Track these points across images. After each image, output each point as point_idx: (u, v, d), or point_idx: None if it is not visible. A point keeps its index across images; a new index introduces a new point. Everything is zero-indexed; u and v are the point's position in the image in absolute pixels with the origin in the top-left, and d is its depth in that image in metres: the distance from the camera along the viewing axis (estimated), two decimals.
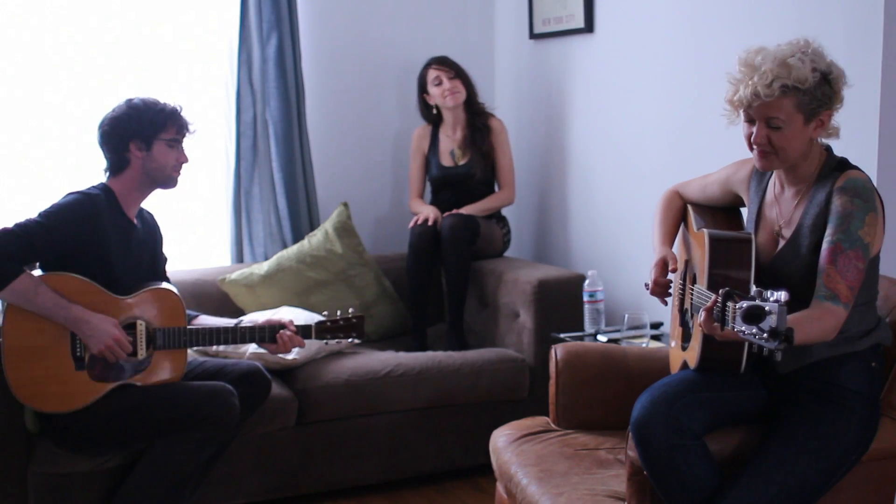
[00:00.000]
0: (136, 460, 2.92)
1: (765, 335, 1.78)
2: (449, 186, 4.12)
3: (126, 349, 2.81)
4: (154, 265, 3.10)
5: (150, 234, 3.09)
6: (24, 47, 3.82)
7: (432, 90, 4.08)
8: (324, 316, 3.11)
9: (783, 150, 2.19)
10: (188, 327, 2.92)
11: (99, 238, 2.82)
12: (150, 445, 2.87)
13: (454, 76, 4.06)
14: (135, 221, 2.99)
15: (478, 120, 4.11)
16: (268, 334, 2.97)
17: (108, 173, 2.95)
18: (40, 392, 2.78)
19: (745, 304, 1.81)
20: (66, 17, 3.86)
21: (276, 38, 4.05)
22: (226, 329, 2.95)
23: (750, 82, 2.15)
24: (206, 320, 3.09)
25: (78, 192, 2.84)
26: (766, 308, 1.78)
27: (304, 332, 3.03)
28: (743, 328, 1.82)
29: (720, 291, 1.95)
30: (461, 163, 4.11)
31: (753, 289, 1.84)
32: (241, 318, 3.06)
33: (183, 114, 2.96)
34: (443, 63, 4.07)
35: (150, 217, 3.13)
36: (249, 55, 4.06)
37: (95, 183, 2.94)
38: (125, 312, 2.85)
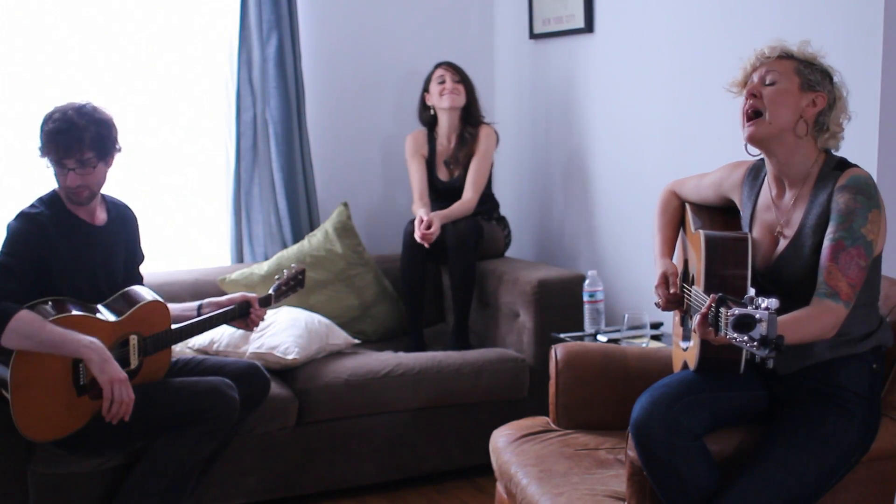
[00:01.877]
0: (137, 460, 2.91)
1: (755, 343, 1.79)
2: (442, 199, 4.07)
3: (131, 397, 2.73)
4: (130, 262, 3.07)
5: (121, 228, 3.03)
6: (23, 47, 3.82)
7: (433, 88, 4.06)
8: (276, 280, 3.21)
9: (773, 109, 2.20)
10: (171, 328, 2.94)
11: (53, 253, 2.80)
12: (151, 443, 2.87)
13: (458, 80, 4.05)
14: (97, 221, 2.94)
15: (468, 130, 4.05)
16: (238, 313, 3.04)
17: None
18: (46, 427, 2.76)
19: (736, 311, 1.81)
20: (65, 17, 3.86)
21: (276, 38, 4.05)
22: (204, 320, 3.00)
23: (756, 50, 2.28)
24: (171, 308, 3.07)
25: (19, 215, 2.81)
26: (757, 316, 1.78)
27: (265, 301, 3.12)
28: (734, 335, 1.82)
29: (713, 297, 1.95)
30: (456, 176, 4.07)
31: (747, 294, 1.84)
32: (200, 301, 3.09)
33: (70, 131, 2.74)
34: (451, 66, 4.08)
35: (123, 209, 3.07)
36: (249, 55, 4.06)
37: (45, 192, 2.90)
38: (120, 332, 2.84)
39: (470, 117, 4.08)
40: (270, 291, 3.17)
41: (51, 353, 2.69)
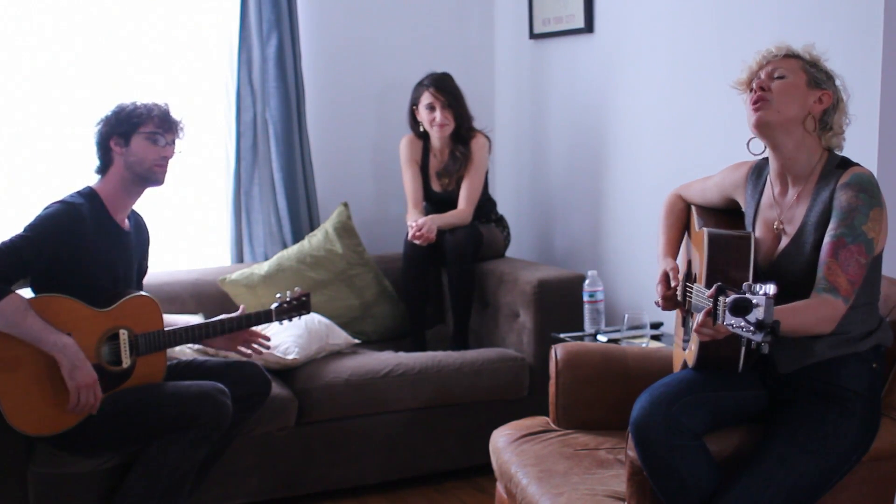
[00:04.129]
0: (135, 462, 2.91)
1: (751, 328, 1.80)
2: (436, 209, 4.05)
3: (98, 396, 2.75)
4: (139, 272, 3.09)
5: (140, 241, 3.08)
6: (24, 48, 3.82)
7: (423, 112, 3.96)
8: (277, 299, 3.16)
9: (781, 99, 2.21)
10: (165, 329, 2.93)
11: (83, 246, 2.79)
12: (145, 447, 2.86)
13: (446, 105, 3.92)
14: (125, 226, 2.97)
15: (459, 148, 3.98)
16: (236, 325, 3.04)
17: (98, 175, 2.94)
18: (36, 418, 2.76)
19: (733, 296, 1.82)
20: (65, 18, 3.86)
21: (276, 38, 4.05)
22: (199, 326, 2.99)
23: (762, 50, 2.30)
24: (171, 319, 3.07)
25: (59, 202, 2.82)
26: (754, 301, 1.80)
27: (265, 316, 3.09)
28: (731, 321, 1.83)
29: (714, 286, 1.97)
30: (450, 189, 4.03)
31: (745, 283, 1.85)
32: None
33: (171, 113, 2.95)
34: (440, 89, 3.92)
35: (141, 220, 3.11)
36: (249, 55, 4.06)
37: (81, 187, 2.91)
38: (108, 324, 2.84)
39: (460, 136, 3.99)
40: (271, 307, 3.12)
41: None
